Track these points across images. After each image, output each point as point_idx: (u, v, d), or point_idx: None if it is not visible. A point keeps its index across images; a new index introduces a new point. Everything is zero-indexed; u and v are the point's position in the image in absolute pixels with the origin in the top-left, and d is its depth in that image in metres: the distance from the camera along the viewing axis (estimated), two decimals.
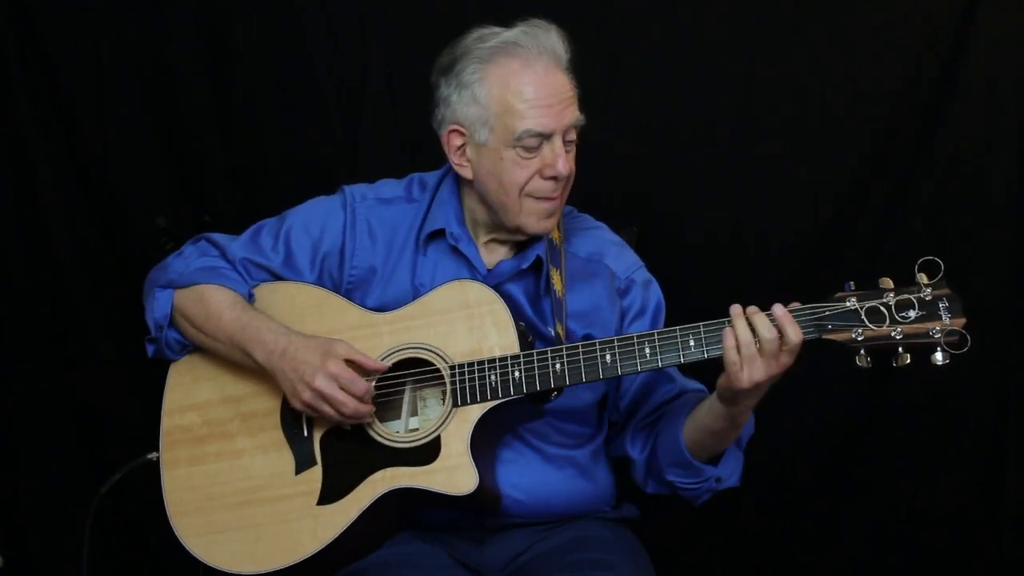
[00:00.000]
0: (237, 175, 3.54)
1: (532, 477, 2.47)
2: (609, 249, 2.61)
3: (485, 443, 2.40)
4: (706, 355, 2.27)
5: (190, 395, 2.55)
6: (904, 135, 3.32)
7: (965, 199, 3.32)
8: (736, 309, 2.23)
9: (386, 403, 2.44)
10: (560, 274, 2.51)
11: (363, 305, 2.51)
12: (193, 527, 2.47)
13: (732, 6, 3.37)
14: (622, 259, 2.60)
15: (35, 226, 3.52)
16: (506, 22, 2.48)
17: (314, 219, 2.58)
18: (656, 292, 2.60)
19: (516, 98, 2.37)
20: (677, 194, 3.42)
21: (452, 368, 2.38)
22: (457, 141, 2.46)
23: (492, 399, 2.35)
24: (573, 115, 2.41)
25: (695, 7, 3.38)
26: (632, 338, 2.31)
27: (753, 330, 2.21)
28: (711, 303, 3.24)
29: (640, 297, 2.57)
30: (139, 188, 3.52)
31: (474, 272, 2.51)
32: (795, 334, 2.20)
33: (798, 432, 3.42)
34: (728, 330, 2.22)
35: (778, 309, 2.21)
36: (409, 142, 3.48)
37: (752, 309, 2.22)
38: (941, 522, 3.41)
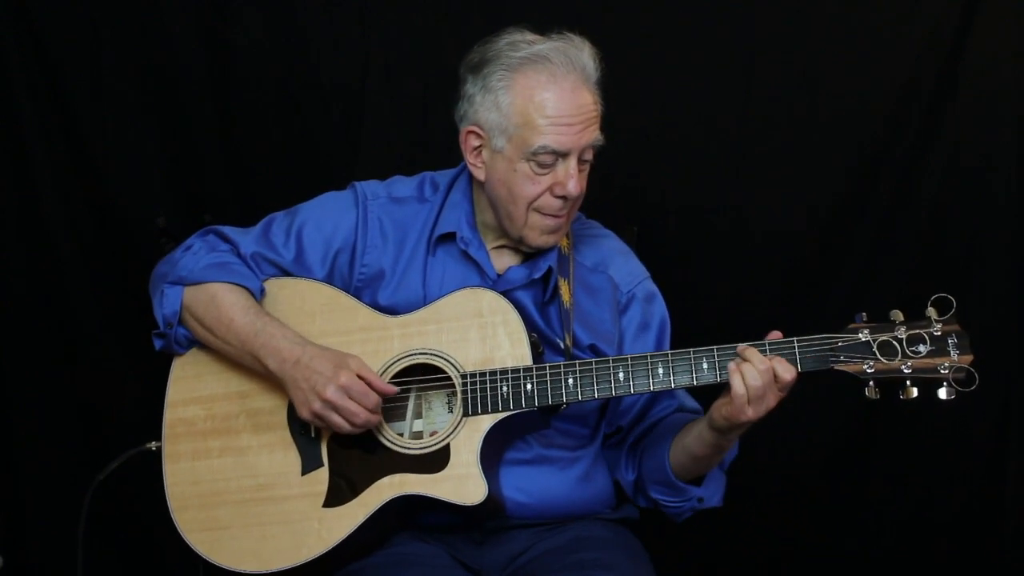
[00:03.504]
0: (237, 175, 3.53)
1: (535, 480, 2.48)
2: (614, 259, 2.61)
3: (492, 451, 2.40)
4: (719, 379, 2.30)
5: (194, 388, 2.53)
6: (904, 135, 3.33)
7: (965, 199, 3.32)
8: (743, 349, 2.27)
9: (391, 405, 2.44)
10: (568, 284, 2.51)
11: (374, 301, 2.51)
12: (195, 522, 2.46)
13: (733, 5, 3.36)
14: (625, 270, 2.60)
15: (35, 226, 3.51)
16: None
17: (326, 216, 2.57)
18: (660, 307, 2.60)
19: (537, 112, 2.36)
20: (678, 194, 3.42)
21: (464, 376, 2.38)
22: (474, 142, 2.45)
23: (503, 410, 2.35)
24: (592, 136, 2.40)
25: (696, 7, 3.38)
26: (646, 357, 2.32)
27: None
28: (712, 304, 3.27)
29: (640, 312, 2.57)
30: (139, 188, 3.52)
31: (484, 277, 2.50)
32: (785, 371, 2.24)
33: (800, 434, 3.41)
34: (735, 369, 2.25)
35: (760, 357, 2.24)
36: (409, 142, 3.48)
37: (749, 354, 2.26)
38: (942, 527, 3.42)
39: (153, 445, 2.55)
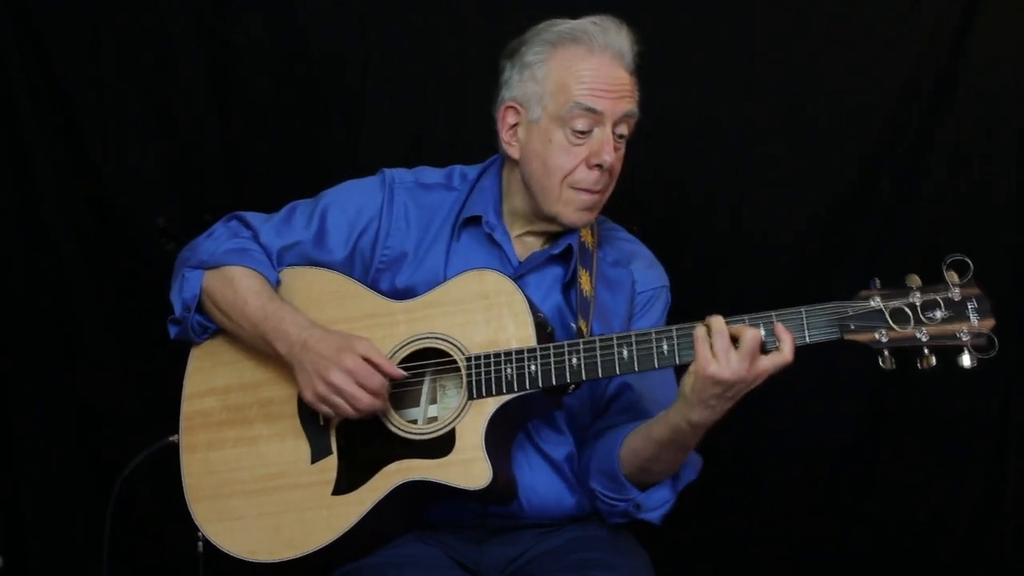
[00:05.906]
0: (237, 175, 3.53)
1: (542, 480, 2.47)
2: (638, 260, 2.61)
3: (501, 435, 2.38)
4: None
5: (210, 380, 2.54)
6: (904, 135, 3.33)
7: (965, 199, 3.33)
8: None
9: (405, 391, 2.44)
10: (590, 277, 2.51)
11: (392, 284, 2.51)
12: (210, 513, 2.47)
13: (733, 5, 3.37)
14: (649, 272, 2.60)
15: (35, 226, 3.51)
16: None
17: (350, 199, 2.58)
18: (664, 287, 2.61)
19: (574, 79, 2.40)
20: (678, 194, 3.42)
21: (468, 359, 2.37)
22: (511, 119, 2.48)
23: (508, 392, 2.34)
24: (628, 105, 2.44)
25: (696, 7, 3.38)
26: (650, 334, 2.28)
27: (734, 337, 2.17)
28: (712, 304, 3.25)
29: (654, 313, 2.57)
30: (139, 188, 3.52)
31: (506, 262, 2.51)
32: (788, 350, 2.15)
33: (801, 435, 3.42)
34: (700, 324, 2.19)
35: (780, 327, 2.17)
36: (409, 142, 3.48)
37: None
38: (942, 527, 3.42)
39: (174, 438, 2.55)
